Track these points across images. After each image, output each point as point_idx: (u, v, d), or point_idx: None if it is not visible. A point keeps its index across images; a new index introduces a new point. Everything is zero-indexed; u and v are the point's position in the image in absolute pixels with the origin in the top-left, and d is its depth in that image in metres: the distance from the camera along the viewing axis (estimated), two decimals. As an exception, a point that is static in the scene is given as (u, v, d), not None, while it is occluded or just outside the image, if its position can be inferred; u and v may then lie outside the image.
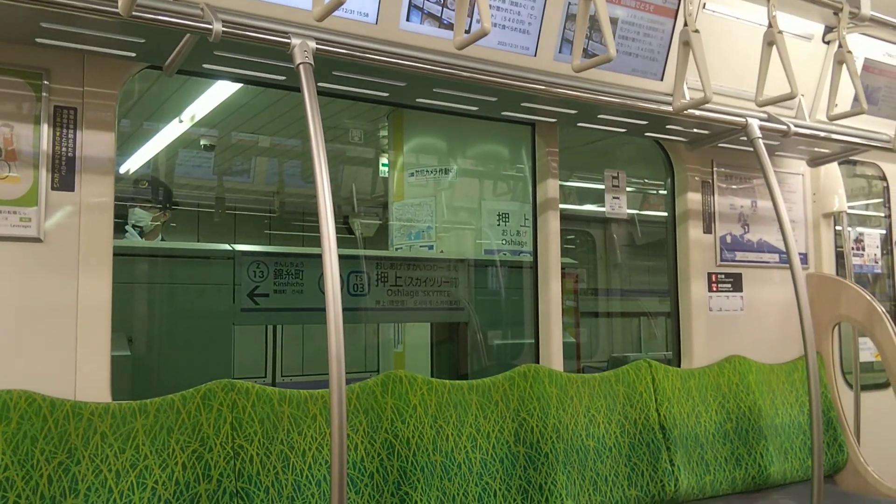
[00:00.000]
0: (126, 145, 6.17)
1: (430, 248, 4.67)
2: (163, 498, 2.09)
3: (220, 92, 5.10)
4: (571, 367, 4.09)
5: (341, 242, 1.82)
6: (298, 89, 1.94)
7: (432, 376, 2.65)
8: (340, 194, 6.77)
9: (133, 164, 6.46)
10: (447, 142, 4.81)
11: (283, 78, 2.44)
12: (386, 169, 5.64)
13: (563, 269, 3.18)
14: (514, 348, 4.04)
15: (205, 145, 6.44)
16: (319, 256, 1.78)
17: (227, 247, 3.51)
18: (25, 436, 1.98)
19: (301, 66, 1.95)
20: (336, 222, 1.83)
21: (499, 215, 4.65)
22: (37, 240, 2.15)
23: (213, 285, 3.42)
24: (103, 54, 2.18)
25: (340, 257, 1.79)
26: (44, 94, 2.18)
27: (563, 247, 3.18)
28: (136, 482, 2.08)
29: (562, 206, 3.23)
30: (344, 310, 1.77)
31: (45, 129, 2.17)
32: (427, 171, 4.83)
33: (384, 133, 5.69)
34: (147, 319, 3.31)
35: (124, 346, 3.02)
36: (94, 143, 2.24)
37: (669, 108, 2.79)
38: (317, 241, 1.80)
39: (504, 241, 4.62)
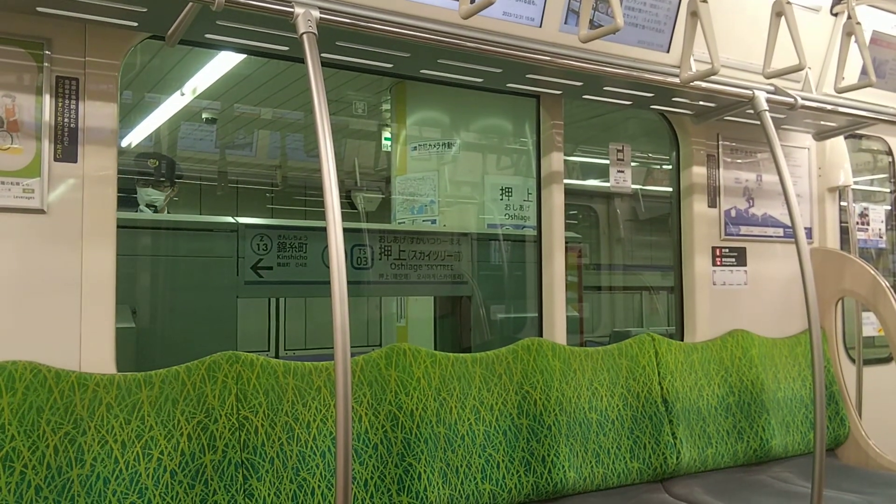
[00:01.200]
0: (130, 117, 6.13)
1: (433, 222, 4.66)
2: (168, 468, 2.11)
3: (222, 63, 5.04)
4: (574, 341, 4.11)
5: (344, 217, 1.82)
6: (302, 60, 1.92)
7: (435, 350, 2.65)
8: (343, 168, 6.75)
9: (136, 136, 6.43)
10: (450, 115, 4.78)
11: (287, 48, 2.42)
12: (389, 143, 5.61)
13: (566, 243, 3.18)
14: (517, 322, 4.04)
15: (207, 118, 6.40)
16: (323, 230, 1.78)
17: (230, 219, 3.51)
18: (31, 407, 1.99)
19: (304, 36, 1.93)
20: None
21: (502, 189, 4.62)
22: (40, 211, 2.14)
23: (216, 258, 3.42)
24: (105, 24, 2.16)
25: (345, 230, 1.79)
26: (45, 64, 2.16)
27: (566, 221, 3.18)
28: (141, 453, 2.09)
29: (566, 181, 3.23)
30: (348, 283, 1.76)
31: (48, 100, 2.16)
32: (430, 144, 4.80)
33: (387, 107, 5.65)
34: (151, 292, 3.31)
35: (129, 319, 3.03)
36: (96, 114, 2.23)
37: (676, 80, 2.76)
38: (319, 216, 1.79)
39: (507, 216, 4.61)
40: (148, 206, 4.55)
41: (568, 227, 3.22)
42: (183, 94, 5.76)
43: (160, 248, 3.39)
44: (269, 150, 7.37)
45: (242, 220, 3.48)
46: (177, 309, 3.35)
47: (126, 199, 4.60)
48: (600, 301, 6.78)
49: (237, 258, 3.38)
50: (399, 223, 4.77)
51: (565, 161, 3.23)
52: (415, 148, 4.81)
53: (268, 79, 5.52)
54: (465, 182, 4.77)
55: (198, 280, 3.38)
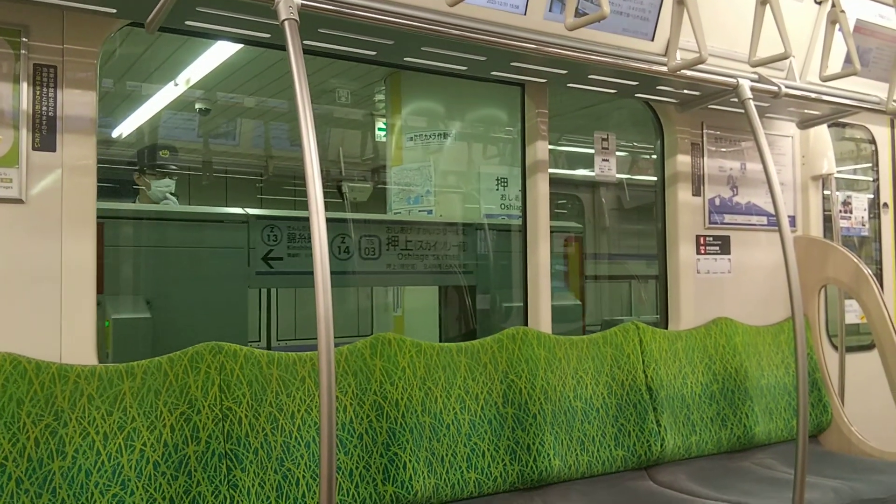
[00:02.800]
0: (122, 107, 6.06)
1: (430, 212, 4.65)
2: (151, 459, 2.09)
3: (215, 54, 5.00)
4: (577, 329, 4.10)
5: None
6: (283, 47, 1.90)
7: (441, 340, 2.65)
8: (329, 158, 6.71)
9: (127, 127, 6.36)
10: (445, 105, 4.77)
11: (268, 35, 2.39)
12: (382, 133, 5.58)
13: (568, 233, 3.18)
14: (518, 311, 4.06)
15: (200, 109, 6.34)
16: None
17: (241, 211, 3.56)
18: (11, 398, 1.97)
19: (286, 23, 1.90)
20: (327, 187, 1.81)
21: (497, 180, 4.62)
22: (19, 201, 2.11)
23: (228, 248, 3.47)
24: (83, 10, 2.12)
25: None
26: (22, 51, 2.13)
27: (557, 211, 3.19)
28: (124, 444, 2.07)
29: (551, 170, 3.22)
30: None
31: (25, 88, 2.13)
32: (425, 135, 4.77)
33: (380, 97, 5.60)
34: (165, 282, 3.33)
35: (144, 309, 3.08)
36: (74, 102, 2.20)
37: (664, 69, 2.76)
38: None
39: (502, 206, 4.61)
40: (167, 196, 4.57)
41: (564, 217, 3.23)
42: (176, 85, 5.70)
43: (174, 239, 3.44)
44: (254, 140, 7.33)
45: (252, 211, 3.53)
46: (190, 299, 3.38)
47: (117, 189, 4.58)
48: (594, 290, 6.79)
49: (248, 249, 3.43)
50: (395, 213, 4.76)
51: (549, 150, 3.23)
52: (410, 138, 4.78)
53: (261, 69, 5.47)
54: (461, 172, 4.76)
55: (210, 270, 3.43)
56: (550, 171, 3.23)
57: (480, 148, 4.88)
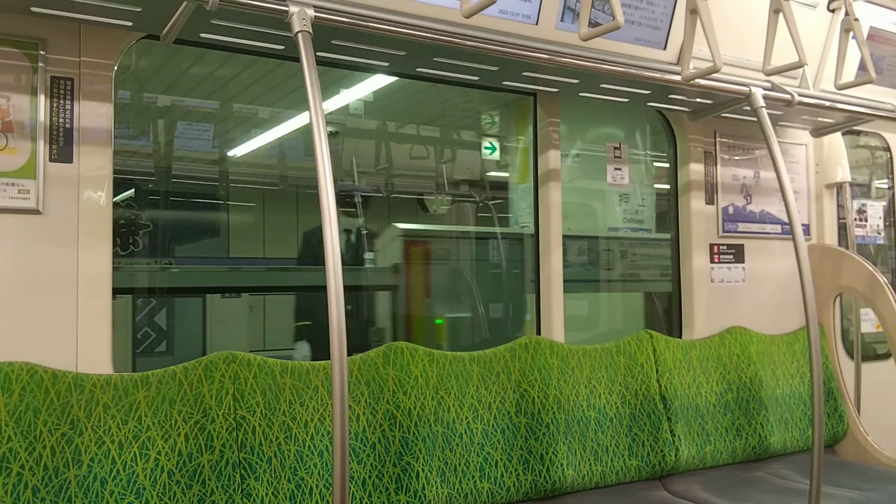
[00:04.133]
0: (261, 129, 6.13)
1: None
2: (166, 468, 2.10)
3: (366, 86, 5.09)
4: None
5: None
6: (297, 59, 1.91)
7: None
8: (419, 174, 6.80)
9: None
10: (568, 126, 4.86)
11: (282, 47, 2.41)
12: (489, 152, 5.72)
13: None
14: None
15: (330, 132, 6.37)
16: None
17: (518, 229, 4.17)
18: (28, 407, 1.99)
19: (299, 35, 1.92)
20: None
21: (619, 196, 4.73)
22: (36, 212, 2.13)
23: (513, 261, 4.30)
24: (99, 23, 2.15)
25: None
26: (40, 64, 2.15)
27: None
28: (138, 453, 2.09)
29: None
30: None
31: (42, 100, 2.15)
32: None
33: (487, 119, 5.72)
34: (481, 288, 4.42)
35: (467, 310, 4.03)
36: (91, 114, 2.22)
37: (677, 78, 2.76)
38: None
39: (625, 220, 4.72)
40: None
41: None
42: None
43: (476, 253, 4.57)
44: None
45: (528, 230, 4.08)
46: (504, 300, 4.35)
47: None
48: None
49: (523, 261, 4.05)
50: (522, 227, 4.96)
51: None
52: None
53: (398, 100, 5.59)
54: (586, 189, 4.85)
55: (503, 278, 4.32)
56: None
57: (600, 166, 4.97)
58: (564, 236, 3.21)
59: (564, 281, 3.18)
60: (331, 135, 6.10)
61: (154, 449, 2.11)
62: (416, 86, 4.62)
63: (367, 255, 5.00)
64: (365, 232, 5.13)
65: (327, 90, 5.07)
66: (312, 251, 5.18)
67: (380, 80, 4.43)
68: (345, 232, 5.06)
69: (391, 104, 5.66)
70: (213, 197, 5.92)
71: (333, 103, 5.35)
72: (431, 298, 4.36)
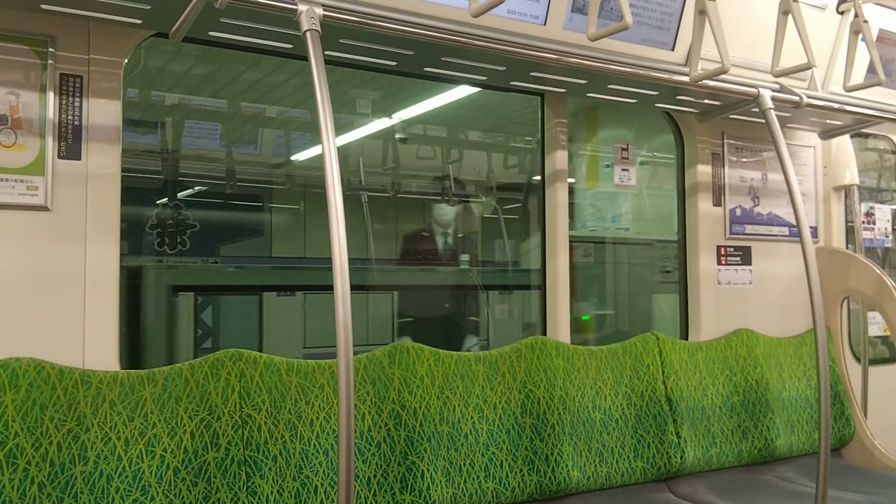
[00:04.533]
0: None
1: (627, 230, 4.98)
2: (171, 465, 2.11)
3: (444, 98, 5.14)
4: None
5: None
6: (305, 58, 1.91)
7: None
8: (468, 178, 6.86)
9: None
10: (634, 136, 4.89)
11: (290, 46, 2.41)
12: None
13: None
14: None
15: (399, 138, 6.41)
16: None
17: (650, 237, 4.78)
18: (34, 403, 1.99)
19: (308, 34, 1.92)
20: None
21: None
22: (44, 208, 2.14)
23: (643, 266, 4.86)
24: (109, 21, 2.16)
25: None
26: (49, 61, 2.16)
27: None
28: (144, 450, 2.09)
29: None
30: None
31: (52, 98, 2.16)
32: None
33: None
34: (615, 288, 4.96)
35: (603, 307, 4.61)
36: (100, 111, 2.23)
37: (685, 79, 2.75)
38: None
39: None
40: None
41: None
42: (391, 118, 5.89)
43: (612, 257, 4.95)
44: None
45: (654, 236, 4.67)
46: (632, 299, 4.89)
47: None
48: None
49: (651, 265, 4.71)
50: (591, 230, 5.06)
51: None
52: (607, 165, 4.91)
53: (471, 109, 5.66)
54: (649, 195, 4.89)
55: (637, 280, 4.81)
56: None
57: (662, 172, 5.00)
58: (660, 241, 3.28)
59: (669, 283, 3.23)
60: (401, 141, 6.26)
61: (160, 446, 2.11)
62: (490, 96, 4.84)
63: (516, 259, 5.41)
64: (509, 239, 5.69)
65: (419, 96, 5.28)
66: (411, 252, 5.55)
67: (459, 91, 4.55)
68: (498, 238, 5.84)
69: (467, 113, 5.82)
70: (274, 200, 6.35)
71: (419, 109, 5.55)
72: (575, 297, 4.44)
